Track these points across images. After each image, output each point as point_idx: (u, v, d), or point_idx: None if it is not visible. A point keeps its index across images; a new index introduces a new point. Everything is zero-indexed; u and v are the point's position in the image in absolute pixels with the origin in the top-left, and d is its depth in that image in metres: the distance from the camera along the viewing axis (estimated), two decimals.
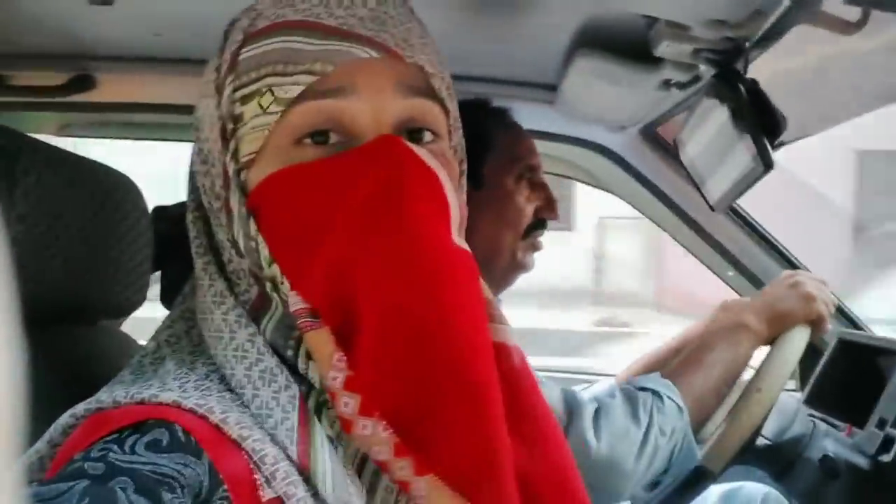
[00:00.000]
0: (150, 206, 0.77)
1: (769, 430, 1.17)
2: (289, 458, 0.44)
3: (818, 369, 1.29)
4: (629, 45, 0.96)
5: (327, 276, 0.46)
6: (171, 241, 0.69)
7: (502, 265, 1.06)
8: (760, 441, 1.12)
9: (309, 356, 0.48)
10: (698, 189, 1.10)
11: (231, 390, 0.47)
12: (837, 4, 0.72)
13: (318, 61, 0.47)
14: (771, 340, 1.06)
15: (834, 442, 1.14)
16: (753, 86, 0.86)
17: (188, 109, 0.54)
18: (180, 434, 0.43)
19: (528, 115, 1.13)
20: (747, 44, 0.84)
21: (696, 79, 0.98)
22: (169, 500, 0.39)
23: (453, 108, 0.54)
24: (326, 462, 0.44)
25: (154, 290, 0.73)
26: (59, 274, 0.66)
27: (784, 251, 1.40)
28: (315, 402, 0.48)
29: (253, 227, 0.48)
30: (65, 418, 0.46)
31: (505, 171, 1.05)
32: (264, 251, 0.48)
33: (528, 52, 1.07)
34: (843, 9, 0.76)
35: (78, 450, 0.42)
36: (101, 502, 0.37)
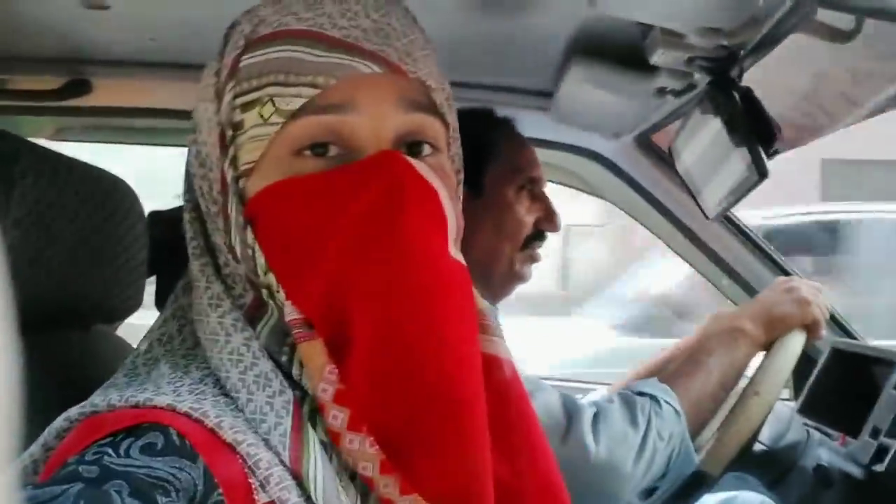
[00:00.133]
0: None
1: (764, 437, 1.17)
2: (282, 463, 0.44)
3: (812, 378, 1.30)
4: (624, 53, 0.96)
5: (323, 288, 0.46)
6: (167, 246, 0.69)
7: (500, 275, 1.06)
8: (757, 447, 1.12)
9: (302, 364, 0.48)
10: (693, 197, 1.10)
11: (226, 394, 0.47)
12: (831, 13, 0.73)
13: (320, 74, 0.47)
14: (767, 345, 1.06)
15: (828, 451, 1.14)
16: (748, 94, 0.87)
17: (184, 114, 0.54)
18: (175, 438, 0.42)
19: (523, 121, 1.13)
20: (742, 52, 0.84)
21: (691, 87, 0.99)
22: None
23: (453, 120, 0.55)
24: (318, 468, 0.44)
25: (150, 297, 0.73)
26: (54, 277, 0.66)
27: (777, 259, 1.40)
28: (310, 407, 0.48)
29: (250, 235, 0.48)
30: (59, 422, 0.46)
31: (506, 182, 1.06)
32: (261, 260, 0.48)
33: (523, 59, 1.08)
34: (836, 18, 0.76)
35: (72, 453, 0.42)
36: None
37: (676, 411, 0.97)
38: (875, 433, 1.07)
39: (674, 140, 1.10)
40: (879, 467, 1.02)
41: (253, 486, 0.43)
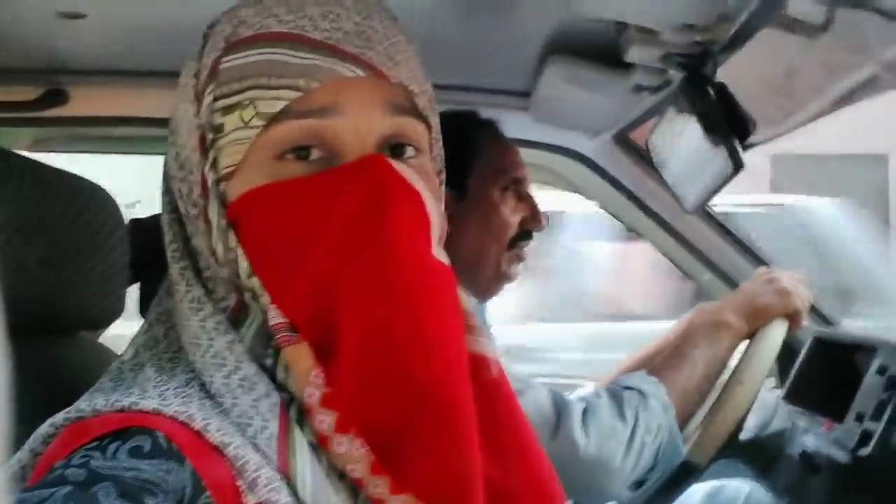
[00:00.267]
0: None
1: (750, 425, 1.18)
2: (270, 465, 0.44)
3: (796, 367, 1.31)
4: (600, 51, 0.98)
5: (308, 291, 0.46)
6: (149, 253, 0.69)
7: (487, 275, 1.07)
8: (743, 436, 1.13)
9: (287, 368, 0.48)
10: (671, 191, 1.11)
11: (211, 397, 0.47)
12: (802, 8, 0.74)
13: (302, 77, 0.47)
14: (750, 335, 1.08)
15: (814, 437, 1.15)
16: (722, 89, 0.88)
17: (163, 123, 0.54)
18: (162, 441, 0.42)
19: (505, 122, 1.14)
20: (715, 48, 0.86)
21: (667, 83, 1.00)
22: None
23: (435, 122, 0.55)
24: (307, 471, 0.44)
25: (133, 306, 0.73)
26: (35, 284, 0.65)
27: (756, 252, 1.42)
28: (297, 410, 0.48)
29: (233, 239, 0.48)
30: (44, 427, 0.46)
31: (491, 183, 1.07)
32: (244, 263, 0.48)
33: (500, 59, 1.09)
34: (807, 12, 0.77)
35: (59, 458, 0.41)
36: None
37: (663, 404, 0.98)
38: (859, 418, 1.08)
39: (650, 136, 1.11)
40: (864, 451, 1.04)
41: (241, 489, 0.42)
